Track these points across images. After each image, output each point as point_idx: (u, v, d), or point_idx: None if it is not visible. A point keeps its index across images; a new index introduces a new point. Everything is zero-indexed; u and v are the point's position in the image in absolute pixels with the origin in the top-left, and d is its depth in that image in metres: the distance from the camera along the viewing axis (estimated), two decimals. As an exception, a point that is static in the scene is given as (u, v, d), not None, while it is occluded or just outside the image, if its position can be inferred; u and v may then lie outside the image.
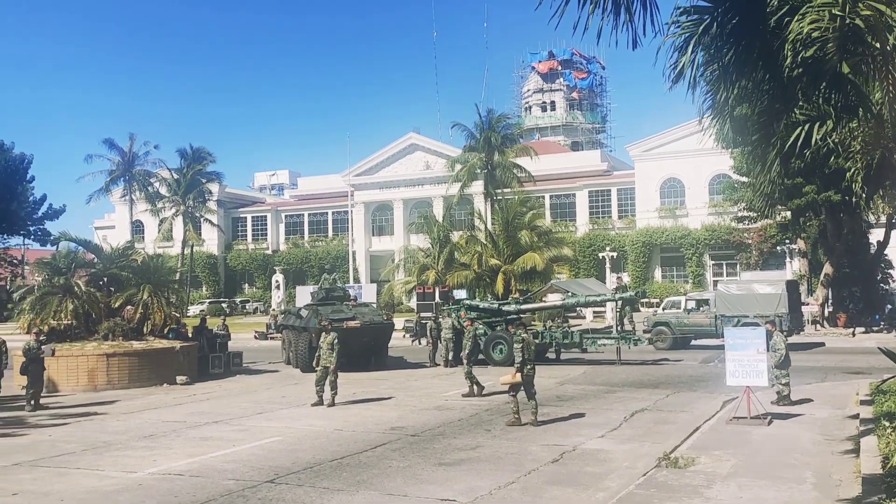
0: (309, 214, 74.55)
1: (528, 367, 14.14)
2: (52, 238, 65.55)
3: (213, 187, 67.10)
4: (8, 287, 74.82)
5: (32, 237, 68.91)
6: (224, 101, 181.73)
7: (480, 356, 23.39)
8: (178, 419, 15.92)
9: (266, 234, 74.97)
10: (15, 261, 72.27)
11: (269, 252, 73.48)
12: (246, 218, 76.28)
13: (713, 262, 57.51)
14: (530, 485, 9.90)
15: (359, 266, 66.39)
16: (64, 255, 24.79)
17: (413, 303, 45.43)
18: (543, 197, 61.74)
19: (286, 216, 75.79)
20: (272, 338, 38.72)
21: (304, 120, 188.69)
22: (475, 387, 18.07)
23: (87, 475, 11.02)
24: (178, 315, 25.76)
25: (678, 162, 57.13)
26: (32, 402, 17.96)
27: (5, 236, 68.83)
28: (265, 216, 75.59)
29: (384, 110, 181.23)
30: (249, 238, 75.66)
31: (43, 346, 19.21)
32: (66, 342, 22.04)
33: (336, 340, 17.32)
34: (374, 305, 36.08)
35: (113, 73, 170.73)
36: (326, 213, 73.57)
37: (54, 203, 68.51)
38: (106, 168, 64.28)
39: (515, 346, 14.43)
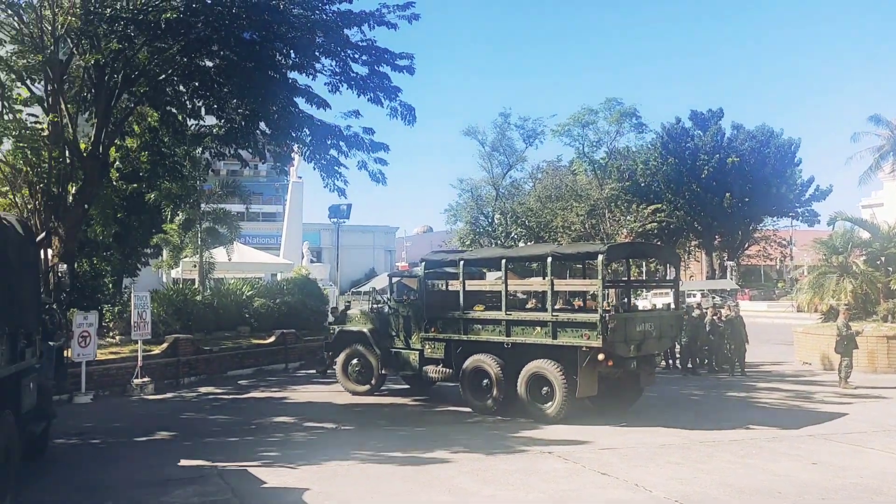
0: None
1: None
2: (819, 218, 66.55)
3: None
4: (777, 266, 79.07)
5: (800, 218, 71.07)
6: None
7: None
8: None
9: None
10: (783, 241, 75.82)
11: None
12: None
13: None
14: None
15: None
16: (840, 235, 24.85)
17: None
18: None
19: None
20: None
21: None
22: None
23: (881, 455, 10.89)
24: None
25: None
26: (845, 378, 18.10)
27: (775, 219, 72.81)
28: None
29: None
30: None
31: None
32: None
33: None
34: None
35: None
36: None
37: (821, 184, 69.19)
38: (874, 144, 61.75)
39: None
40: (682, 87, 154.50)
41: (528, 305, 17.13)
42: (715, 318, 21.53)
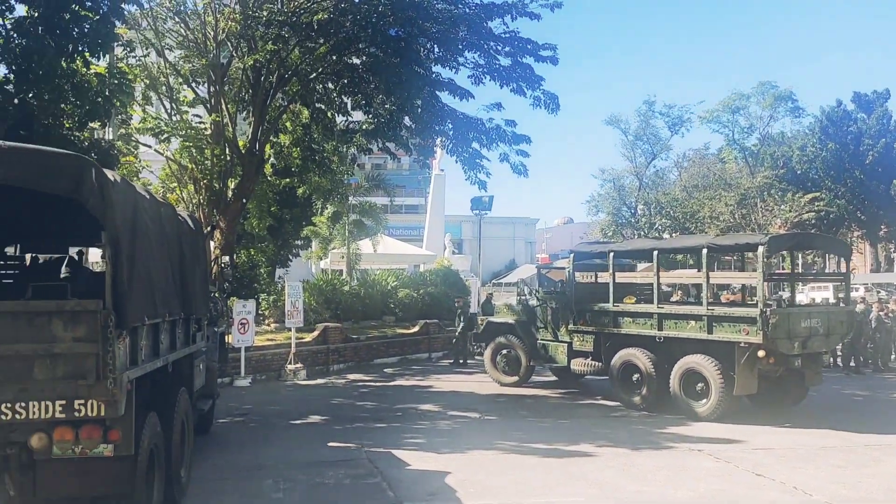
0: None
1: None
2: None
3: None
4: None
5: None
6: None
7: None
8: None
9: None
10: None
11: None
12: None
13: None
14: None
15: None
16: None
17: None
18: None
19: None
20: None
21: None
22: None
23: None
24: None
25: None
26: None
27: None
28: None
29: None
30: None
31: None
32: None
33: None
34: None
35: None
36: None
37: None
38: None
39: None
40: (843, 68, 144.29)
41: (673, 298, 16.60)
42: (881, 313, 20.08)
